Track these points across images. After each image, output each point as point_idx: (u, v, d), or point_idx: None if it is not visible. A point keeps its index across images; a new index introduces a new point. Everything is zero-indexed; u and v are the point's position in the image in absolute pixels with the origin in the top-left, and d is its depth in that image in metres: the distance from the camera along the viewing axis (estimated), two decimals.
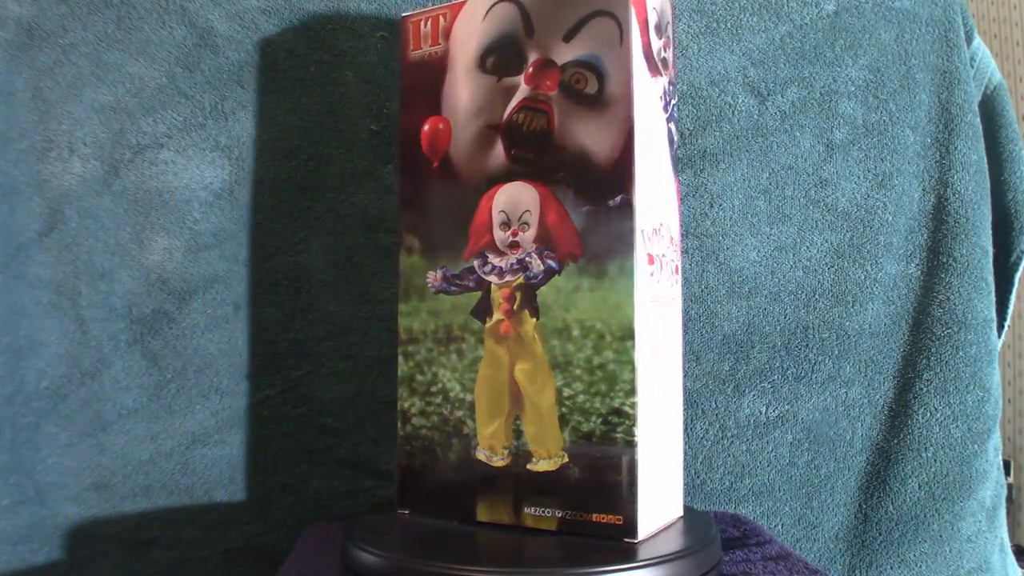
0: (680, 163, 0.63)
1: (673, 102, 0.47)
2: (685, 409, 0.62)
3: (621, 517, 0.41)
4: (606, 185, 0.42)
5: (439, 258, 0.48)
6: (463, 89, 0.48)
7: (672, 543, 0.42)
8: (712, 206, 0.63)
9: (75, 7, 0.57)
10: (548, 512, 0.43)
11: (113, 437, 0.56)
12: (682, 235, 0.46)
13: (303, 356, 0.59)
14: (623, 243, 0.42)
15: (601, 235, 0.42)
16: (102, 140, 0.57)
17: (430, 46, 0.49)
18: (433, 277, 0.48)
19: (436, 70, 0.49)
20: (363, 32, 0.60)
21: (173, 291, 0.57)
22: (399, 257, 0.49)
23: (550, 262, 0.44)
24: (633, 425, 0.41)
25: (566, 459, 0.43)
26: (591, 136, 0.43)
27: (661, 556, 0.39)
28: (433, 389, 0.48)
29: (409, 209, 0.49)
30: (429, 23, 0.49)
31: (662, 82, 0.45)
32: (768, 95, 0.64)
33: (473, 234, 0.46)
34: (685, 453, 0.62)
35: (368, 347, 0.59)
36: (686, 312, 0.62)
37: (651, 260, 0.43)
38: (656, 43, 0.44)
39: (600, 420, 0.42)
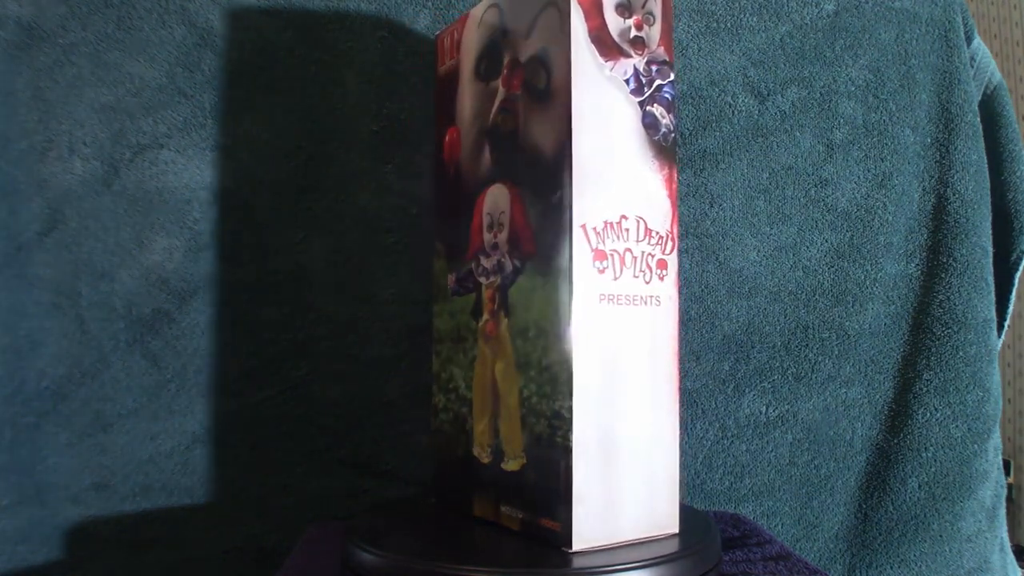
0: (680, 161, 0.63)
1: (660, 82, 0.43)
2: (685, 409, 0.62)
3: (559, 524, 0.40)
4: (551, 180, 0.41)
5: (455, 262, 0.49)
6: (467, 97, 0.49)
7: (619, 557, 0.39)
8: (712, 206, 0.63)
9: (75, 7, 0.57)
10: (514, 512, 0.43)
11: (113, 437, 0.56)
12: (676, 226, 0.44)
13: (303, 356, 0.59)
14: (561, 239, 0.40)
15: (549, 232, 0.41)
16: (102, 140, 0.57)
17: (449, 60, 0.51)
18: (450, 279, 0.49)
19: (453, 82, 0.50)
20: (363, 32, 0.60)
21: (173, 291, 0.57)
22: (433, 261, 0.52)
23: (516, 262, 0.43)
24: (569, 430, 0.39)
25: (525, 460, 0.42)
26: (542, 132, 0.42)
27: (579, 569, 0.37)
28: (451, 386, 0.49)
29: (438, 216, 0.51)
30: (449, 38, 0.51)
31: (631, 64, 0.42)
32: (768, 95, 0.64)
33: (472, 237, 0.47)
34: (685, 453, 0.62)
35: (368, 347, 0.59)
36: (686, 312, 0.62)
37: (600, 256, 0.41)
38: (618, 23, 0.42)
39: (546, 423, 0.41)
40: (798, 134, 0.64)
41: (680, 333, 0.44)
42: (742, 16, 0.64)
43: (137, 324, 0.57)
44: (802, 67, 0.64)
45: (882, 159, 0.65)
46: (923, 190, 0.66)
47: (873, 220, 0.64)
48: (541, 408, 0.41)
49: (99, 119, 0.57)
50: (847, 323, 0.64)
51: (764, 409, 0.63)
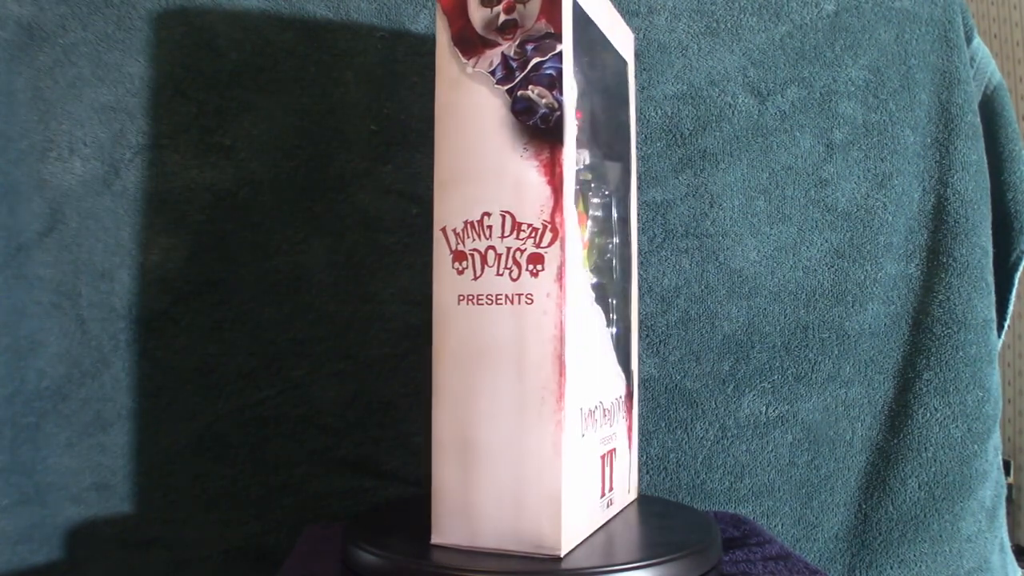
0: (680, 161, 0.63)
1: (539, 60, 0.40)
2: (685, 409, 0.62)
3: None
4: None
5: None
6: None
7: (474, 562, 0.39)
8: (712, 206, 0.63)
9: (75, 7, 0.57)
10: None
11: (113, 437, 0.56)
12: (561, 214, 0.40)
13: (303, 356, 0.59)
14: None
15: None
16: (102, 140, 0.57)
17: None
18: None
19: None
20: (363, 32, 0.60)
21: (173, 291, 0.57)
22: None
23: None
24: (430, 430, 0.41)
25: None
26: None
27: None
28: None
29: None
30: None
31: (498, 52, 0.41)
32: (768, 95, 0.64)
33: None
34: (685, 453, 0.62)
35: (368, 347, 0.59)
36: (686, 312, 0.62)
37: (460, 257, 0.41)
38: (484, 15, 0.41)
39: None
40: (798, 134, 0.64)
41: (567, 331, 0.39)
42: (742, 16, 0.64)
43: (137, 324, 0.57)
44: (802, 67, 0.64)
45: (882, 159, 0.65)
46: (923, 190, 0.66)
47: (873, 220, 0.64)
48: None
49: (99, 119, 0.57)
50: (847, 323, 0.64)
51: (764, 409, 0.63)
